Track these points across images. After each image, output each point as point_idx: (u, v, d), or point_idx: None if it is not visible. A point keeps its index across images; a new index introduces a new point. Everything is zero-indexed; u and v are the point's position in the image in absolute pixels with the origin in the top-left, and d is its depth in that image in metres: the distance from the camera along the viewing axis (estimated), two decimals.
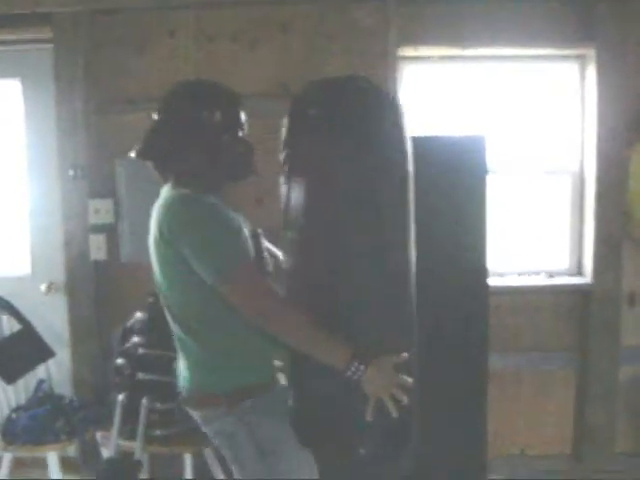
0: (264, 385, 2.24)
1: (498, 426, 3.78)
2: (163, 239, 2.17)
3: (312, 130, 2.21)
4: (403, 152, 2.24)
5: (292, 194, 2.26)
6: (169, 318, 2.31)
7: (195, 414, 2.32)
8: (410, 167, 2.26)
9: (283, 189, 2.28)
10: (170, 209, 2.17)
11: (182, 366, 2.31)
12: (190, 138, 2.22)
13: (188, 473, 3.23)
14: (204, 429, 2.34)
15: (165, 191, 2.29)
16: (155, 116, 2.29)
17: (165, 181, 2.32)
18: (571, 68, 4.02)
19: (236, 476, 2.32)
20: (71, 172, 3.75)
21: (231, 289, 2.10)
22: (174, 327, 2.30)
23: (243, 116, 2.32)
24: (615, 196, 3.86)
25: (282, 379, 2.30)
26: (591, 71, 3.91)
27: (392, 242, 2.22)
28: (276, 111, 3.57)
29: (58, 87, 3.77)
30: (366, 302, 2.16)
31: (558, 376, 4.02)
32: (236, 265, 2.11)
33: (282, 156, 2.31)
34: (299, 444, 2.24)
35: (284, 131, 2.28)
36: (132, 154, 2.31)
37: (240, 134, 2.30)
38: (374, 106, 2.18)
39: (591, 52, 3.87)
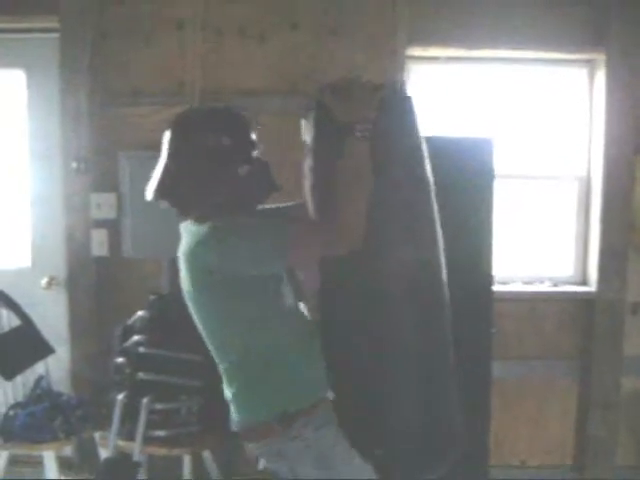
0: (316, 404, 2.19)
1: (499, 434, 3.76)
2: (210, 272, 2.09)
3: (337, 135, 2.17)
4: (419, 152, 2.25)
5: None
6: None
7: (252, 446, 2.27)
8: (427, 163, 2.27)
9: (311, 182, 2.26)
10: (211, 240, 2.09)
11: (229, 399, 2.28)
12: (207, 170, 2.15)
13: (187, 475, 3.22)
14: (262, 460, 2.29)
15: (189, 227, 2.19)
16: (164, 151, 2.21)
17: (184, 216, 2.23)
18: (580, 72, 4.00)
19: None
20: (74, 165, 3.71)
21: (304, 247, 2.08)
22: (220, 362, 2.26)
23: (254, 136, 2.24)
24: (621, 204, 3.85)
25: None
26: (600, 76, 3.89)
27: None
28: (282, 107, 3.64)
29: (63, 78, 3.73)
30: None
31: (560, 385, 4.01)
32: (286, 236, 2.09)
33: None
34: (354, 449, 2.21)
35: (308, 140, 2.27)
36: (148, 196, 2.22)
37: (254, 155, 2.23)
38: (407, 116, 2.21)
39: (601, 57, 3.85)
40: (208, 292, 2.14)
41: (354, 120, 2.12)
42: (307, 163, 2.26)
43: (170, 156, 2.18)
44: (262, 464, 2.29)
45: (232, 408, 2.26)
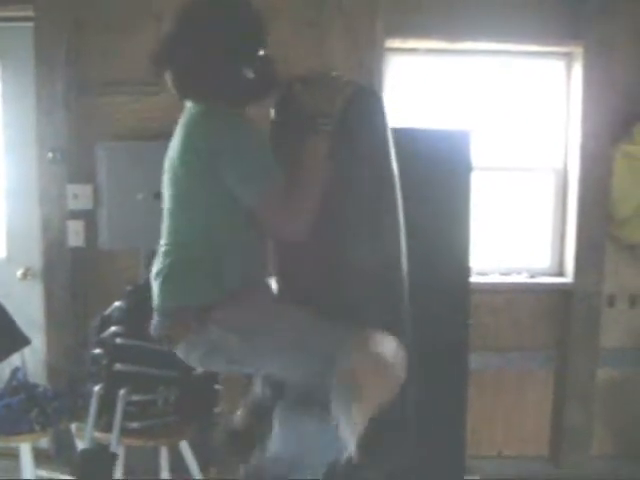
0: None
1: (476, 426, 3.77)
2: (195, 152, 2.13)
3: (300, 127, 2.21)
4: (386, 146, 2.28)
5: None
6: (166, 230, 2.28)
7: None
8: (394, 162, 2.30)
9: None
10: (205, 122, 2.14)
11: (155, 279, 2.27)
12: (213, 49, 2.15)
13: (164, 466, 3.21)
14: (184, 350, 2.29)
15: (190, 107, 2.22)
16: (171, 22, 2.21)
17: (182, 97, 2.26)
18: (558, 65, 4.01)
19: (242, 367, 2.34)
20: (50, 155, 3.68)
21: (266, 207, 2.12)
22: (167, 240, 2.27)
23: (266, 32, 2.27)
24: (598, 196, 3.87)
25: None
26: (577, 69, 3.91)
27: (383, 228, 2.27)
28: None
29: (38, 67, 3.69)
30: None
31: (537, 376, 4.04)
32: (273, 184, 2.12)
33: None
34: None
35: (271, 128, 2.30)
36: (149, 59, 2.23)
37: (262, 50, 2.25)
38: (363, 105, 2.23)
39: (578, 50, 3.87)
40: (191, 165, 2.15)
41: (317, 113, 2.16)
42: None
43: (179, 27, 2.19)
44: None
45: (157, 298, 2.25)
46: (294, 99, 2.24)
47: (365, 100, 2.29)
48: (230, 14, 2.19)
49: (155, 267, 2.28)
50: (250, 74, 2.19)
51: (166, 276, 2.22)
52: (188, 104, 2.25)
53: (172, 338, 2.25)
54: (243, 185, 2.13)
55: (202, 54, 2.15)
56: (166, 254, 2.24)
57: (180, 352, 2.29)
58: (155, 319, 2.28)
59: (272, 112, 2.33)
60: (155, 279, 2.25)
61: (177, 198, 2.22)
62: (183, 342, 2.24)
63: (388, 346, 2.13)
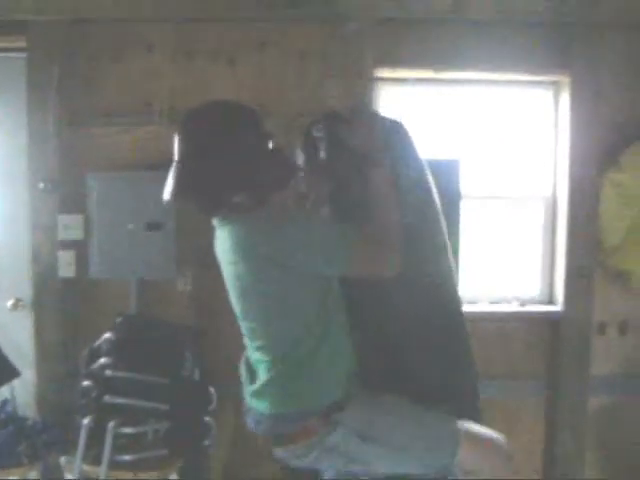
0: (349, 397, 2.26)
1: None
2: (254, 264, 2.15)
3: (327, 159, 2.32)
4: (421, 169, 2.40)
5: None
6: (250, 349, 2.33)
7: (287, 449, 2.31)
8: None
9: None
10: (253, 235, 2.16)
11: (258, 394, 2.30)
12: (228, 165, 2.17)
13: None
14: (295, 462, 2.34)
15: (223, 224, 2.25)
16: (177, 150, 2.22)
17: (209, 215, 2.29)
18: (545, 94, 4.04)
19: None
20: (41, 185, 3.68)
21: (362, 260, 2.17)
22: (253, 354, 2.31)
23: (264, 126, 2.28)
24: (587, 224, 3.87)
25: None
26: (565, 98, 3.93)
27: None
28: None
29: (30, 97, 3.70)
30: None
31: (528, 404, 4.02)
32: (352, 237, 2.17)
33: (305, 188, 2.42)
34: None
35: (302, 164, 2.37)
36: (167, 197, 2.21)
37: (269, 144, 2.27)
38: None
39: (565, 79, 3.90)
40: (267, 281, 2.17)
41: (372, 148, 2.22)
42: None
43: (185, 155, 2.20)
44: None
45: (259, 399, 2.28)
46: (338, 139, 2.28)
47: (400, 132, 2.39)
48: (226, 128, 2.20)
49: (252, 380, 2.32)
50: (268, 172, 2.22)
51: (279, 384, 2.24)
52: (217, 222, 2.28)
53: (290, 439, 2.26)
54: (329, 262, 2.16)
55: (219, 177, 2.17)
56: (266, 365, 2.25)
57: (288, 453, 2.31)
58: (263, 422, 2.29)
59: (307, 153, 2.39)
60: (264, 388, 2.26)
61: (257, 311, 2.25)
62: (300, 444, 2.25)
63: (484, 430, 2.39)
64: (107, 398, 3.09)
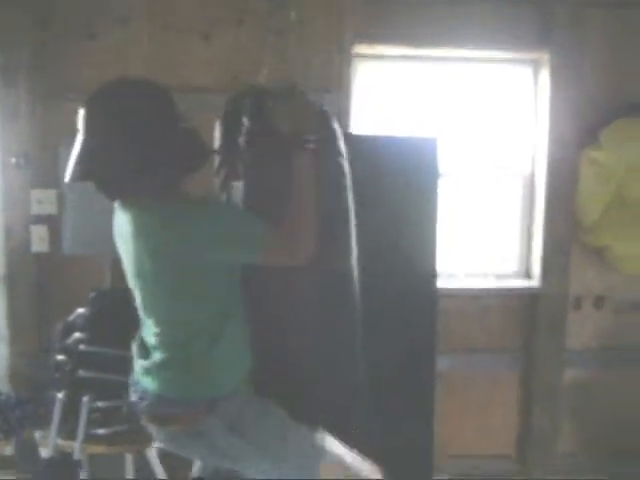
0: (237, 393, 2.22)
1: (444, 427, 3.71)
2: (157, 252, 2.07)
3: (247, 138, 2.23)
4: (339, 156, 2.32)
5: (231, 199, 2.32)
6: (147, 328, 2.28)
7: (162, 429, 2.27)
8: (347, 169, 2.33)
9: (220, 194, 2.34)
10: (160, 218, 2.07)
11: (148, 371, 2.25)
12: (132, 145, 2.06)
13: (129, 473, 3.17)
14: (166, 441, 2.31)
15: (125, 206, 2.16)
16: (82, 128, 2.10)
17: (113, 197, 2.20)
18: (525, 72, 4.04)
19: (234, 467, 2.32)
20: (13, 160, 3.64)
21: (275, 249, 2.11)
22: (150, 334, 2.26)
23: (175, 104, 2.16)
24: (565, 200, 3.90)
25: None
26: (544, 75, 3.94)
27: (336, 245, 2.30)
28: (223, 105, 3.60)
29: (2, 72, 3.64)
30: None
31: (505, 378, 4.06)
32: (265, 226, 2.11)
33: (217, 163, 2.34)
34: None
35: (217, 136, 2.31)
36: (67, 179, 2.12)
37: (180, 124, 2.16)
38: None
39: (545, 56, 3.91)
40: (168, 268, 2.09)
41: (301, 132, 2.15)
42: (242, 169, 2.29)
43: (90, 133, 2.08)
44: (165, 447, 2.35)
45: (148, 377, 2.23)
46: (265, 117, 2.21)
47: (325, 115, 2.33)
48: (134, 107, 2.08)
49: (143, 355, 2.28)
50: (176, 154, 2.13)
51: (171, 367, 2.20)
52: (119, 204, 2.20)
53: (168, 422, 2.22)
54: (241, 249, 2.12)
55: (123, 158, 2.06)
56: (162, 347, 2.21)
57: (162, 434, 2.28)
58: (147, 400, 2.25)
59: (227, 128, 2.32)
60: (156, 368, 2.22)
61: (159, 301, 2.20)
62: (175, 428, 2.22)
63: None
64: (81, 372, 3.07)
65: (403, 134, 3.63)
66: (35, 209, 3.65)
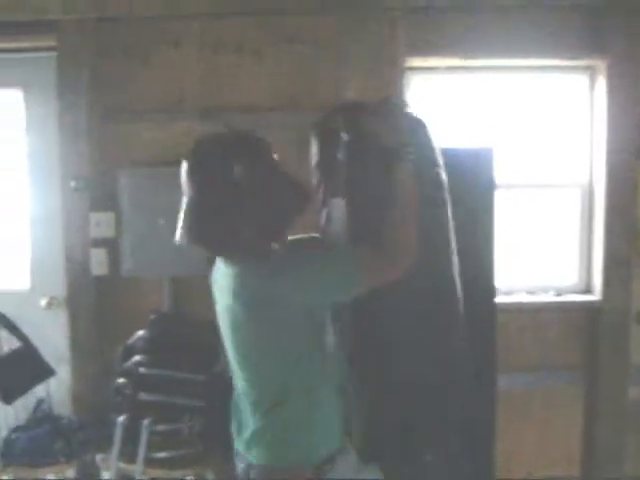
0: (341, 450, 2.20)
1: (506, 447, 3.64)
2: (269, 304, 2.04)
3: (346, 152, 2.23)
4: (436, 167, 2.31)
5: (332, 215, 2.30)
6: (241, 395, 2.25)
7: None
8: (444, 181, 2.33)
9: (321, 211, 2.31)
10: (253, 282, 2.05)
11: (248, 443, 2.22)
12: (236, 204, 2.05)
13: None
14: None
15: (229, 262, 2.13)
16: (186, 189, 2.10)
17: (219, 256, 2.17)
18: (581, 79, 3.97)
19: None
20: (73, 183, 3.69)
21: (375, 272, 2.06)
22: (245, 401, 2.23)
23: (274, 156, 2.15)
24: (625, 211, 3.82)
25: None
26: (601, 83, 3.86)
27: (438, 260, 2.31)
28: (281, 122, 3.62)
29: (61, 96, 3.72)
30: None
31: (567, 395, 3.97)
32: (358, 263, 2.07)
33: (316, 179, 2.33)
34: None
35: (314, 153, 2.30)
36: (178, 240, 2.11)
37: (277, 175, 2.14)
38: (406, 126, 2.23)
39: (601, 64, 3.83)
40: (259, 325, 2.07)
41: (401, 143, 2.13)
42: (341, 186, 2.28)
43: (193, 195, 2.08)
44: None
45: (250, 448, 2.20)
46: (360, 133, 2.21)
47: (421, 126, 2.32)
48: (236, 156, 2.07)
49: (239, 429, 2.26)
50: (280, 202, 2.11)
51: (269, 435, 2.17)
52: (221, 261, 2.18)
53: None
54: (339, 284, 2.06)
55: (227, 216, 2.05)
56: (258, 412, 2.17)
57: None
58: (255, 469, 2.21)
59: (323, 147, 2.32)
60: (252, 439, 2.19)
61: (248, 350, 2.16)
62: None
63: None
64: (142, 395, 3.11)
65: (458, 145, 3.60)
66: (94, 232, 3.69)
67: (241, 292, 2.05)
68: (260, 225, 2.07)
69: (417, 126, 2.30)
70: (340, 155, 2.24)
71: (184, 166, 2.10)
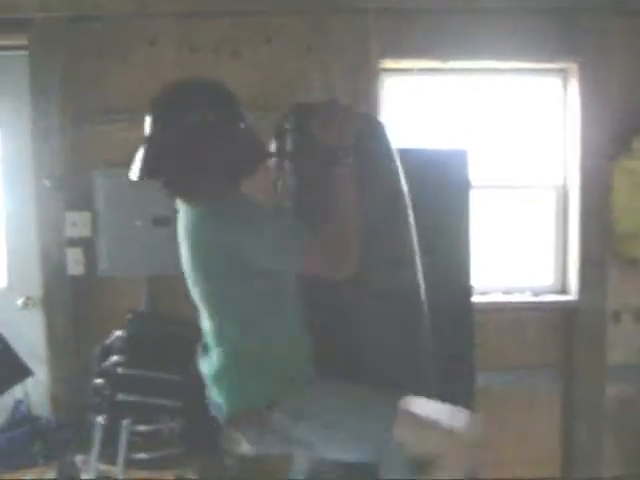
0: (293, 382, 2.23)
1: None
2: (210, 244, 2.12)
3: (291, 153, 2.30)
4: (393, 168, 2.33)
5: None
6: (209, 326, 2.28)
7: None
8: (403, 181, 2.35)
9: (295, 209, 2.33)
10: (217, 219, 2.12)
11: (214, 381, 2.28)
12: (196, 146, 2.12)
13: None
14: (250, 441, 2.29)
15: (189, 206, 2.20)
16: (149, 128, 2.17)
17: (176, 196, 2.23)
18: (554, 82, 4.01)
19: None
20: (47, 183, 3.65)
21: (313, 259, 2.11)
22: (209, 335, 2.28)
23: (238, 105, 2.22)
24: (599, 211, 3.86)
25: None
26: (573, 85, 3.91)
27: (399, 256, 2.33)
28: (256, 123, 3.61)
29: (34, 95, 3.68)
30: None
31: (544, 395, 4.00)
32: (307, 237, 2.11)
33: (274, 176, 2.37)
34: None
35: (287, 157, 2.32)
36: (134, 176, 2.16)
37: (241, 124, 2.21)
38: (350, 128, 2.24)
39: (574, 66, 3.87)
40: (218, 267, 2.14)
41: (339, 146, 2.16)
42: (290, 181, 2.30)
43: (156, 133, 2.15)
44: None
45: (218, 391, 2.26)
46: (306, 133, 2.23)
47: (374, 129, 2.34)
48: (198, 108, 2.15)
49: (210, 366, 2.28)
50: (238, 152, 2.19)
51: (226, 381, 2.23)
52: (182, 203, 2.24)
53: (238, 425, 2.25)
54: (280, 256, 2.13)
55: (188, 157, 2.13)
56: (220, 356, 2.24)
57: (243, 441, 2.29)
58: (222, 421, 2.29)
59: (278, 144, 2.35)
60: (219, 378, 2.25)
61: (212, 297, 2.22)
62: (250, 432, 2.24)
63: (433, 407, 2.24)
64: (120, 396, 3.08)
65: (433, 147, 3.62)
66: (70, 232, 3.66)
67: (200, 228, 2.14)
68: (217, 170, 2.15)
69: (372, 127, 2.34)
70: (287, 153, 2.32)
71: (150, 107, 2.18)
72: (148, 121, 2.18)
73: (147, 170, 2.14)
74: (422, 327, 2.43)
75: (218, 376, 2.24)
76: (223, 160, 2.15)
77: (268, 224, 2.14)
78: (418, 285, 2.39)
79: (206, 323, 2.28)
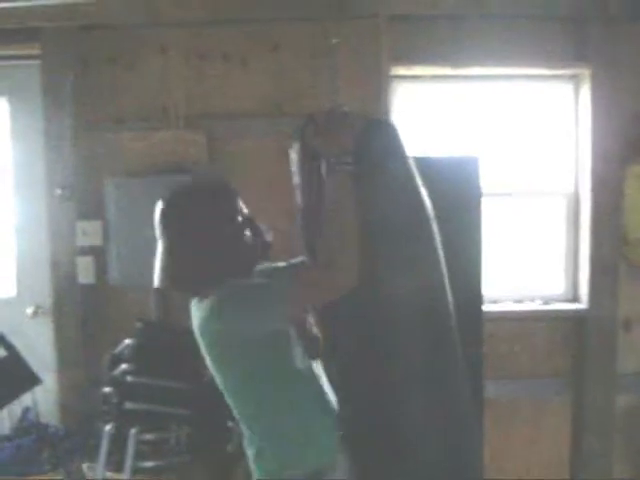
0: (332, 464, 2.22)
1: (493, 455, 3.64)
2: (220, 340, 2.16)
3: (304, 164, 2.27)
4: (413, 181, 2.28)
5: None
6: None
7: None
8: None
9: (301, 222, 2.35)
10: (215, 313, 2.13)
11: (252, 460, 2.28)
12: (209, 245, 2.17)
13: None
14: None
15: (197, 304, 2.24)
16: (160, 238, 2.25)
17: (194, 296, 2.27)
18: (565, 88, 3.99)
19: None
20: (58, 192, 3.68)
21: (306, 294, 2.12)
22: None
23: (239, 201, 2.27)
24: (610, 218, 3.84)
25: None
26: (585, 91, 3.89)
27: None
28: (267, 130, 3.63)
29: (46, 104, 3.70)
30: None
31: (554, 403, 3.98)
32: (284, 293, 2.11)
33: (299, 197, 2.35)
34: None
35: (295, 169, 2.31)
36: (156, 285, 2.30)
37: (243, 219, 2.25)
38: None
39: (585, 72, 3.86)
40: (223, 359, 2.19)
41: (332, 153, 2.15)
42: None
43: (166, 243, 2.23)
44: None
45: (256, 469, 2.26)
46: (304, 142, 2.24)
47: (380, 132, 2.30)
48: (207, 212, 2.20)
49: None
50: (242, 252, 2.23)
51: (264, 451, 2.23)
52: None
53: None
54: (275, 308, 2.12)
55: (201, 265, 2.19)
56: (250, 434, 2.25)
57: None
58: None
59: (291, 155, 2.34)
60: (256, 456, 2.25)
61: (234, 384, 2.25)
62: None
63: None
64: (128, 404, 3.08)
65: (444, 154, 3.61)
66: (81, 240, 3.68)
67: (209, 322, 2.15)
68: (229, 264, 2.19)
69: (378, 129, 2.30)
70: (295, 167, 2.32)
71: (158, 214, 2.24)
72: (157, 225, 2.25)
73: (169, 281, 2.28)
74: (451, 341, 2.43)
75: (256, 455, 2.25)
76: (230, 260, 2.19)
77: (247, 304, 2.13)
78: (447, 299, 2.39)
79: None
